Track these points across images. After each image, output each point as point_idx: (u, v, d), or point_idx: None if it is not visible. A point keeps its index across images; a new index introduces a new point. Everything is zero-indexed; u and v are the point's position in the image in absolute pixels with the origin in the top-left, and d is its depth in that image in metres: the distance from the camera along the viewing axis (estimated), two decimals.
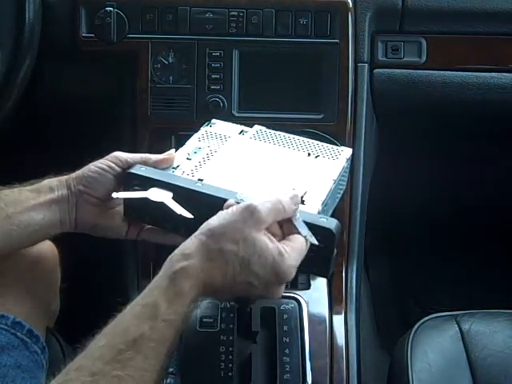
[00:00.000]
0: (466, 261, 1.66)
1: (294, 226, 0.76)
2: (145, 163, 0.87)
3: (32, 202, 0.83)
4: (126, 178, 0.86)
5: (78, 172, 0.87)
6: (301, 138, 0.98)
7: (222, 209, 0.80)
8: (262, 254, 0.71)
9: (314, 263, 0.81)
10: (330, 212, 0.92)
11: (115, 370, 0.62)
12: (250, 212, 0.72)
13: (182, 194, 0.84)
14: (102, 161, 0.87)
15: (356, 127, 1.17)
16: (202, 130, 0.99)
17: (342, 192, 0.99)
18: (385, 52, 1.21)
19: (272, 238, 0.73)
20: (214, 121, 1.02)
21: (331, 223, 0.79)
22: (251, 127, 1.01)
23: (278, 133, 0.99)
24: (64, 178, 0.87)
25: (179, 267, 0.69)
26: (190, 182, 0.86)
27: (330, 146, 0.97)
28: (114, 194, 0.84)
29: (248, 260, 0.71)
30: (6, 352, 0.86)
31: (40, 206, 0.84)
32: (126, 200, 0.88)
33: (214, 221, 0.73)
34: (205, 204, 0.82)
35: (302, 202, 0.85)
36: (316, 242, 0.76)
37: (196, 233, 0.73)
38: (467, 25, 1.20)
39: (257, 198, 0.75)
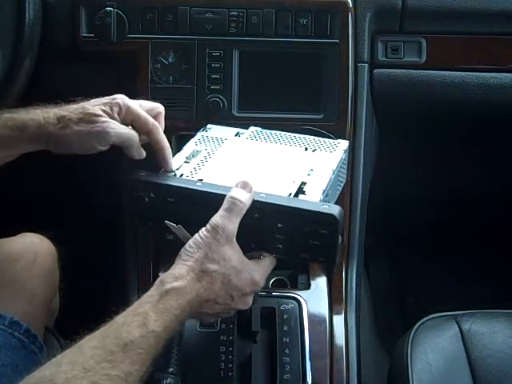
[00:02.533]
0: (466, 261, 1.66)
1: None
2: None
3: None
4: (127, 184, 0.86)
5: (59, 129, 0.85)
6: (297, 135, 0.99)
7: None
8: (239, 268, 0.80)
9: (320, 251, 0.81)
10: (332, 203, 0.92)
11: (105, 369, 0.67)
12: (221, 232, 0.79)
13: (184, 195, 0.84)
14: (86, 129, 0.85)
15: (356, 127, 1.17)
16: (198, 134, 1.00)
17: (342, 185, 1.00)
18: (385, 52, 1.21)
19: (241, 253, 0.82)
20: (209, 126, 1.02)
21: (334, 209, 0.80)
22: (255, 127, 1.02)
23: (274, 132, 1.00)
24: (40, 131, 0.85)
25: (170, 287, 0.76)
26: (190, 182, 0.86)
27: (327, 139, 0.98)
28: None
29: (228, 275, 0.79)
30: (2, 352, 0.86)
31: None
32: (130, 207, 0.88)
33: (193, 248, 0.79)
34: (207, 202, 0.83)
35: (303, 192, 0.85)
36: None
37: (181, 260, 0.79)
38: (467, 25, 1.20)
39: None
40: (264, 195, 0.83)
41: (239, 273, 0.80)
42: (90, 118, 0.85)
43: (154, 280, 1.11)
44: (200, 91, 1.13)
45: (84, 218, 1.61)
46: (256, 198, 0.82)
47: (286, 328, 1.01)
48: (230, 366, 0.95)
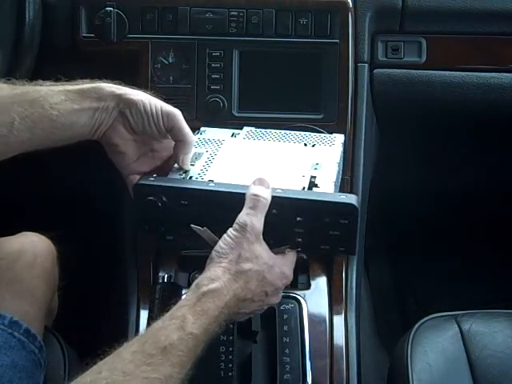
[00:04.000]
0: (466, 261, 1.66)
1: None
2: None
3: (76, 107, 0.82)
4: (137, 190, 0.86)
5: (136, 97, 0.85)
6: (292, 132, 1.00)
7: (238, 204, 0.81)
8: (270, 264, 0.81)
9: (340, 242, 0.82)
10: None
11: (145, 372, 0.68)
12: (250, 230, 0.80)
13: (198, 197, 0.84)
14: (157, 110, 0.86)
15: (356, 127, 1.17)
16: (195, 137, 0.99)
17: (340, 178, 1.01)
18: (385, 52, 1.21)
19: (268, 249, 0.83)
20: (203, 128, 1.03)
21: (351, 198, 0.81)
22: (249, 127, 1.02)
23: (269, 130, 1.01)
24: (118, 92, 0.85)
25: (207, 289, 0.76)
26: (202, 183, 0.86)
27: (322, 134, 0.99)
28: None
29: (262, 271, 0.80)
30: (2, 352, 0.86)
31: (83, 112, 0.83)
32: (140, 213, 0.88)
33: (225, 249, 0.80)
34: (221, 202, 0.83)
35: (316, 185, 0.86)
36: None
37: (215, 262, 0.79)
38: (467, 25, 1.20)
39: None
40: (280, 190, 0.83)
41: (271, 268, 0.81)
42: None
43: (154, 280, 1.13)
44: (200, 91, 1.13)
45: (84, 218, 1.61)
46: (273, 194, 0.82)
47: (286, 328, 1.01)
48: (230, 366, 0.95)
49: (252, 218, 0.80)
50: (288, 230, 0.83)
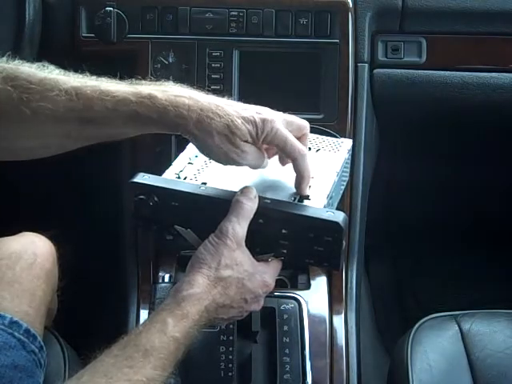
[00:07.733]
0: (466, 261, 1.66)
1: None
2: None
3: (142, 131, 0.80)
4: (130, 188, 0.86)
5: (200, 133, 0.78)
6: None
7: (225, 210, 0.81)
8: (251, 271, 0.81)
9: (324, 257, 0.81)
10: (336, 204, 0.92)
11: (127, 374, 0.68)
12: (231, 237, 0.79)
13: (187, 200, 0.84)
14: (224, 148, 0.79)
15: (356, 127, 1.17)
16: None
17: (345, 183, 1.00)
18: (385, 52, 1.21)
19: (251, 256, 0.82)
20: None
21: (338, 216, 0.79)
22: None
23: None
24: (180, 122, 0.78)
25: (186, 293, 0.76)
26: (194, 186, 0.86)
27: (330, 138, 0.97)
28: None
29: (242, 279, 0.80)
30: (2, 352, 0.86)
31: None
32: (134, 210, 0.88)
33: (205, 255, 0.79)
34: (210, 207, 0.83)
35: (307, 197, 0.85)
36: None
37: (194, 268, 0.79)
38: (467, 25, 1.20)
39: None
40: (268, 201, 0.82)
41: (252, 276, 0.81)
42: (233, 140, 0.79)
43: (154, 280, 1.12)
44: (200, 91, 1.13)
45: (84, 218, 1.61)
46: (260, 204, 0.82)
47: (286, 328, 1.01)
48: (230, 366, 0.95)
49: (234, 225, 0.79)
50: (273, 240, 0.83)
